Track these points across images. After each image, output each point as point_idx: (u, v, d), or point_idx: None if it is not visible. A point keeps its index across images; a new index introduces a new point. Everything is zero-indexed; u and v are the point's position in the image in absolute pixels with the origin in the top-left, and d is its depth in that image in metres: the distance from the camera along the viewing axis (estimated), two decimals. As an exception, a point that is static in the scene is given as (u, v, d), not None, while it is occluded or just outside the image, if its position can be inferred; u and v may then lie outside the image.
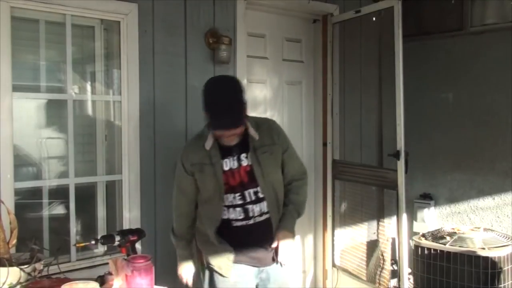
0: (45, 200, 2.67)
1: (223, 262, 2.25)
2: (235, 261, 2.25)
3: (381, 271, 3.50)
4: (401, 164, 3.22)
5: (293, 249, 2.31)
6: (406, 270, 3.30)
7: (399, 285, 3.34)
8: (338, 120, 3.87)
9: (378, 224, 3.64)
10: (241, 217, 2.24)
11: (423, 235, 3.59)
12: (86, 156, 2.89)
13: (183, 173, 2.29)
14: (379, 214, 3.70)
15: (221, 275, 2.26)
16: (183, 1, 3.02)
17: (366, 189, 3.66)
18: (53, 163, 2.76)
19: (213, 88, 2.16)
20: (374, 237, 3.66)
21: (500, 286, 3.20)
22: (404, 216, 3.26)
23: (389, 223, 3.49)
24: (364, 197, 3.68)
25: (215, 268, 2.27)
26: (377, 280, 3.52)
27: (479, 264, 3.21)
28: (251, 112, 2.46)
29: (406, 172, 3.24)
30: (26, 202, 2.63)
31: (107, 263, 2.08)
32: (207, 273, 2.34)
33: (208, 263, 2.31)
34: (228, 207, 2.24)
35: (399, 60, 3.18)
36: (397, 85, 3.21)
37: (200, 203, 2.34)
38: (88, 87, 2.89)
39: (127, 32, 2.79)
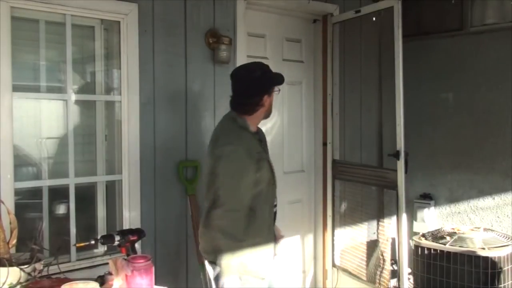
0: (45, 200, 2.66)
1: (267, 264, 2.17)
2: None
3: (381, 271, 3.50)
4: (401, 164, 3.22)
5: None
6: (406, 270, 3.30)
7: (399, 285, 3.33)
8: (338, 120, 3.87)
9: (378, 224, 3.64)
10: (276, 203, 2.30)
11: (423, 235, 3.60)
12: (86, 156, 2.89)
13: (249, 162, 2.12)
14: (379, 214, 3.70)
15: (256, 277, 2.13)
16: (183, 1, 3.01)
17: (366, 189, 3.66)
18: (53, 163, 2.76)
19: (257, 63, 2.45)
20: (374, 237, 3.66)
21: (500, 286, 3.20)
22: (404, 216, 3.26)
23: (389, 223, 3.49)
24: (364, 197, 3.69)
25: (257, 274, 2.12)
26: (377, 280, 3.52)
27: (479, 264, 3.21)
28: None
29: (406, 172, 3.25)
30: (26, 202, 2.63)
31: (107, 263, 2.08)
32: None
33: (245, 272, 2.11)
34: None
35: (399, 60, 3.18)
36: (397, 85, 3.21)
37: (254, 197, 2.15)
38: (88, 87, 2.89)
39: (127, 32, 2.79)
